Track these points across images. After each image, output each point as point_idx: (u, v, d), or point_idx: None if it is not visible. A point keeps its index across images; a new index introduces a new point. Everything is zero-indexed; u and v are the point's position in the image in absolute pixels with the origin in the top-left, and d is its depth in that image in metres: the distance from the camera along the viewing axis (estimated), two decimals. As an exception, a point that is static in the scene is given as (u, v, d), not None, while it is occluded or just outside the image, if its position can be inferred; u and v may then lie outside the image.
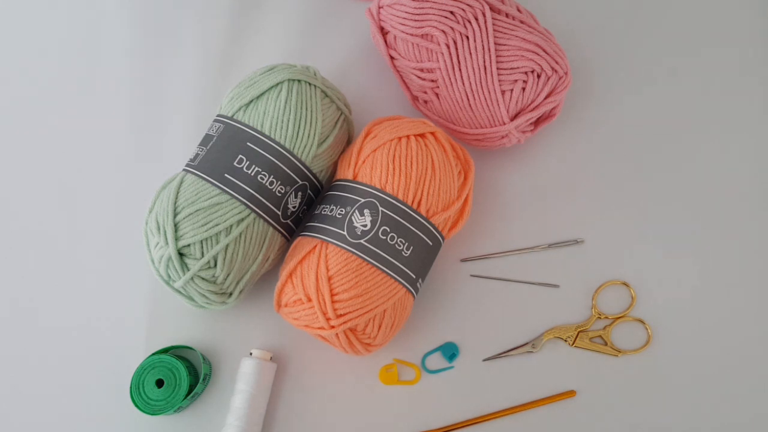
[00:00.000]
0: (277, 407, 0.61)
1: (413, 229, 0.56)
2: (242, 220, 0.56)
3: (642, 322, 0.63)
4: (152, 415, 0.59)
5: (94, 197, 0.68)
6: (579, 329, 0.62)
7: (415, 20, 0.61)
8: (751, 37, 0.72)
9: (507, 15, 0.61)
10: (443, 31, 0.59)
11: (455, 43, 0.59)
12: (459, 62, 0.60)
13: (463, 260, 0.65)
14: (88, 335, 0.64)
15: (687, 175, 0.67)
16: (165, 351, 0.62)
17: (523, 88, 0.60)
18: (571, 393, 0.61)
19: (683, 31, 0.72)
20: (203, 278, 0.56)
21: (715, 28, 0.72)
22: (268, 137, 0.57)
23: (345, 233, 0.55)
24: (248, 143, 0.57)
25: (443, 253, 0.65)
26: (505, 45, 0.59)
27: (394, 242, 0.55)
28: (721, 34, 0.72)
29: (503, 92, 0.60)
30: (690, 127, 0.69)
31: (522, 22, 0.61)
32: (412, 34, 0.61)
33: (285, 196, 0.58)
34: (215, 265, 0.56)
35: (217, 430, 0.61)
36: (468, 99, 0.61)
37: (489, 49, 0.59)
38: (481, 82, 0.59)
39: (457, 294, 0.64)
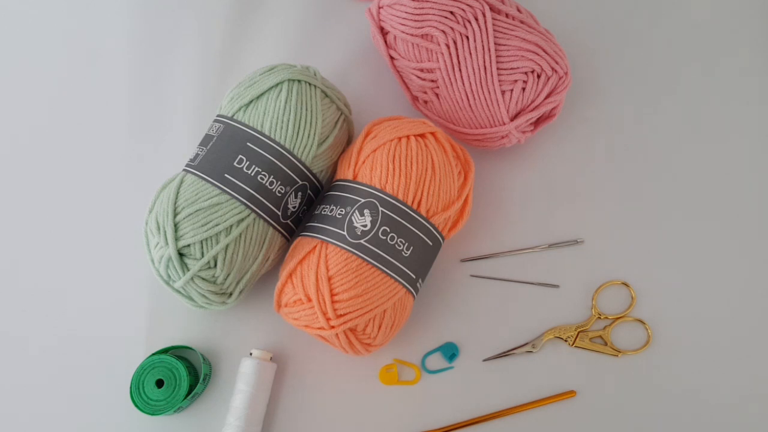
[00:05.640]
0: (277, 407, 0.61)
1: (413, 229, 0.56)
2: (242, 220, 0.56)
3: (642, 322, 0.63)
4: (152, 415, 0.59)
5: (94, 197, 0.68)
6: (579, 329, 0.62)
7: (415, 20, 0.61)
8: (752, 37, 0.72)
9: (507, 15, 0.61)
10: (443, 32, 0.59)
11: (455, 43, 0.59)
12: (459, 62, 0.60)
13: (463, 260, 0.65)
14: (88, 335, 0.64)
15: (687, 175, 0.67)
16: (165, 351, 0.62)
17: (523, 88, 0.60)
18: (571, 393, 0.61)
19: (684, 31, 0.72)
20: (203, 278, 0.56)
21: (716, 29, 0.72)
22: (268, 137, 0.57)
23: (345, 233, 0.55)
24: (248, 143, 0.57)
25: (443, 253, 0.65)
26: (505, 45, 0.59)
27: (394, 242, 0.55)
28: (721, 35, 0.72)
29: (503, 92, 0.60)
30: (690, 127, 0.69)
31: (522, 22, 0.61)
32: (412, 35, 0.61)
33: (285, 196, 0.58)
34: (215, 265, 0.56)
35: (217, 430, 0.61)
36: (468, 99, 0.61)
37: (489, 49, 0.59)
38: (481, 82, 0.59)
39: (457, 294, 0.64)
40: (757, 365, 0.62)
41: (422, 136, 0.58)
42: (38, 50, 0.74)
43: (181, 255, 0.55)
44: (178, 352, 0.63)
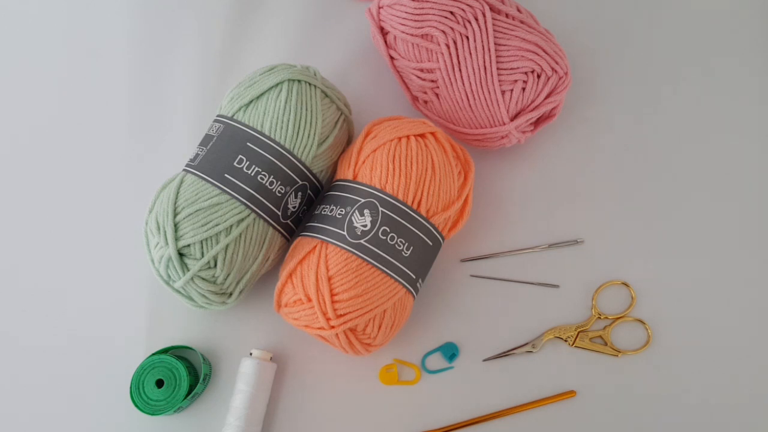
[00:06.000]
0: (277, 407, 0.61)
1: (413, 229, 0.56)
2: (242, 220, 0.56)
3: (642, 322, 0.63)
4: (152, 415, 0.59)
5: (94, 197, 0.68)
6: (579, 329, 0.62)
7: (415, 20, 0.61)
8: (752, 37, 0.72)
9: (507, 15, 0.61)
10: (443, 32, 0.59)
11: (455, 43, 0.59)
12: (459, 62, 0.60)
13: (463, 260, 0.65)
14: (88, 335, 0.64)
15: (687, 175, 0.67)
16: (165, 351, 0.62)
17: (523, 89, 0.60)
18: (571, 393, 0.61)
19: (684, 32, 0.72)
20: (203, 278, 0.56)
21: (717, 30, 0.72)
22: (268, 137, 0.57)
23: (345, 233, 0.55)
24: (248, 143, 0.57)
25: (443, 253, 0.65)
26: (505, 45, 0.59)
27: (394, 242, 0.55)
28: (722, 36, 0.72)
29: (503, 92, 0.60)
30: (690, 127, 0.69)
31: (522, 22, 0.61)
32: (412, 35, 0.61)
33: (285, 196, 0.58)
34: (215, 265, 0.56)
35: (217, 430, 0.61)
36: (468, 99, 0.61)
37: (489, 50, 0.59)
38: (481, 82, 0.59)
39: (457, 294, 0.64)
40: (757, 366, 0.62)
41: (422, 136, 0.58)
42: (38, 50, 0.74)
43: (181, 255, 0.55)
44: (178, 352, 0.63)
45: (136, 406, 0.59)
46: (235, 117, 0.59)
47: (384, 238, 0.55)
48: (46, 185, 0.69)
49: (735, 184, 0.67)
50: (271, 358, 0.61)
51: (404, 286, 0.56)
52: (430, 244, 0.58)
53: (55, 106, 0.72)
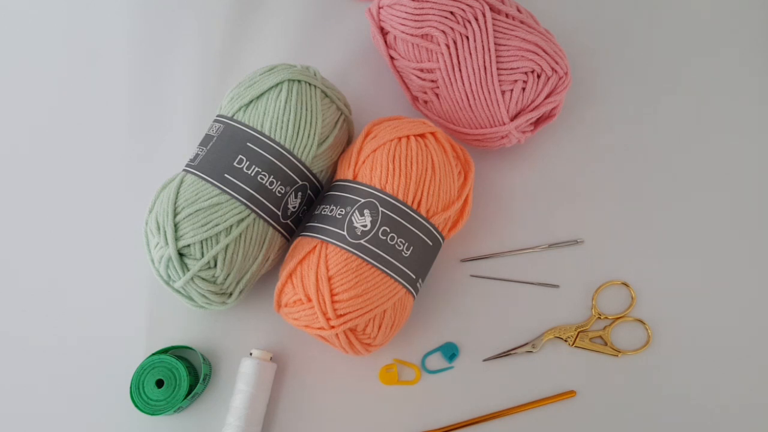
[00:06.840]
0: (277, 407, 0.61)
1: (413, 229, 0.56)
2: (242, 220, 0.56)
3: (642, 322, 0.63)
4: (152, 415, 0.59)
5: (94, 197, 0.68)
6: (579, 329, 0.62)
7: (415, 20, 0.61)
8: (752, 37, 0.72)
9: (507, 15, 0.61)
10: (443, 32, 0.59)
11: (455, 43, 0.59)
12: (459, 62, 0.60)
13: (463, 260, 0.65)
14: (88, 335, 0.64)
15: (687, 175, 0.67)
16: (165, 351, 0.62)
17: (523, 89, 0.60)
18: (571, 393, 0.61)
19: (684, 31, 0.72)
20: (203, 278, 0.56)
21: (716, 29, 0.72)
22: (268, 137, 0.57)
23: (345, 233, 0.55)
24: (248, 143, 0.57)
25: (443, 253, 0.65)
26: (505, 45, 0.59)
27: (394, 242, 0.55)
28: (722, 35, 0.72)
29: (503, 92, 0.60)
30: (690, 127, 0.69)
31: (522, 22, 0.61)
32: (412, 35, 0.61)
33: (285, 196, 0.58)
34: (215, 265, 0.56)
35: (217, 430, 0.61)
36: (468, 99, 0.61)
37: (489, 50, 0.59)
38: (481, 83, 0.59)
39: (457, 294, 0.64)
40: (757, 366, 0.62)
41: (422, 136, 0.58)
42: (38, 50, 0.74)
43: (181, 255, 0.55)
44: (178, 352, 0.63)
45: (136, 406, 0.59)
46: (235, 117, 0.59)
47: (384, 238, 0.55)
48: (46, 185, 0.69)
49: (735, 184, 0.67)
50: (271, 358, 0.61)
51: (404, 286, 0.56)
52: (430, 244, 0.58)
53: (55, 107, 0.72)
